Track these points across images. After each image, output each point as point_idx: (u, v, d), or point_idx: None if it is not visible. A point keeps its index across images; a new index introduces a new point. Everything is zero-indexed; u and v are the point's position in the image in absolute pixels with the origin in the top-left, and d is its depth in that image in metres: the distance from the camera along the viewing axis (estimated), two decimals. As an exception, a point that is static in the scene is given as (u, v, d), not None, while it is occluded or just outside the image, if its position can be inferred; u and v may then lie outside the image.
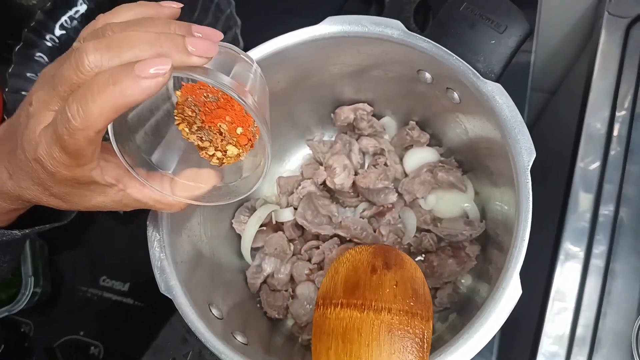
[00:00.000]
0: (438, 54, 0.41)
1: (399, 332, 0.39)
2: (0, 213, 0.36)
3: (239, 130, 0.33)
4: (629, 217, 0.58)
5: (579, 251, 0.57)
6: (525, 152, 0.38)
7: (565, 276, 0.56)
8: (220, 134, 0.33)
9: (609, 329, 0.54)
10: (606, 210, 0.58)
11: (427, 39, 0.41)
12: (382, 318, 0.39)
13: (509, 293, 0.36)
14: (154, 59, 0.27)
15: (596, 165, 0.60)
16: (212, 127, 0.33)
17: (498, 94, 0.39)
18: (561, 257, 0.57)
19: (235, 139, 0.34)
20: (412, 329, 0.39)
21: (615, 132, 0.60)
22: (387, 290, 0.41)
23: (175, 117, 0.34)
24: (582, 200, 0.59)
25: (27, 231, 0.38)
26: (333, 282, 0.42)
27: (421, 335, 0.39)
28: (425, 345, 0.39)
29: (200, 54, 0.29)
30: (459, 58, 0.40)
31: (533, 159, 0.37)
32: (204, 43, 0.29)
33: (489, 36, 0.43)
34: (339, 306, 0.40)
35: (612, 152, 0.60)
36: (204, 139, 0.34)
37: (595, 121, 0.61)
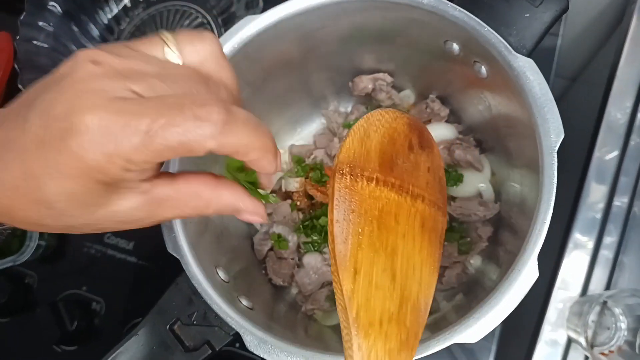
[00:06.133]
0: (469, 24, 0.39)
1: (428, 224, 0.34)
2: None
3: None
4: (643, 211, 0.57)
5: (588, 241, 0.56)
6: (554, 132, 0.36)
7: (572, 266, 0.55)
8: None
9: (611, 321, 0.53)
10: (620, 201, 0.57)
11: (459, 8, 0.39)
12: (417, 206, 0.34)
13: (525, 275, 0.35)
14: None
15: (614, 155, 0.58)
16: None
17: (529, 70, 0.37)
18: (570, 246, 0.56)
19: None
20: (436, 223, 0.35)
21: (637, 123, 0.59)
22: (421, 175, 0.35)
23: None
24: (596, 191, 0.57)
25: None
26: (365, 149, 0.33)
27: (441, 231, 0.35)
28: (441, 241, 0.35)
29: None
30: (492, 30, 0.38)
31: (561, 139, 0.36)
32: None
33: (523, 9, 0.40)
34: (374, 182, 0.32)
35: (631, 143, 0.58)
36: None
37: (617, 110, 0.60)
